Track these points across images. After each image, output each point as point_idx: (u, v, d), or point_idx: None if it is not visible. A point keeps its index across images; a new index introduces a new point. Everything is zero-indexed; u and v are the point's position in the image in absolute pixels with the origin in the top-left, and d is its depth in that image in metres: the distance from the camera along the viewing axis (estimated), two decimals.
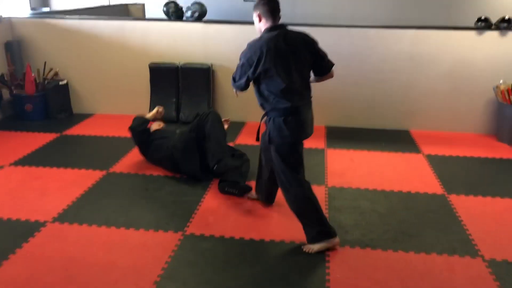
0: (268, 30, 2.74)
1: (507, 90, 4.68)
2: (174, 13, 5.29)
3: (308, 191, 2.87)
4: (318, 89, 5.11)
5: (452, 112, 5.08)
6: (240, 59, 2.77)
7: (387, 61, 5.01)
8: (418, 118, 5.15)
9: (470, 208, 3.41)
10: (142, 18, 7.57)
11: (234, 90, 2.92)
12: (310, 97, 2.91)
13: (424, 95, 5.06)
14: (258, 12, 2.75)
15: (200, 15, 5.25)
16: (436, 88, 5.03)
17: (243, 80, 2.76)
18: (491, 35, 4.82)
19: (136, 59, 5.31)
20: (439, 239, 2.99)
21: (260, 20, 2.77)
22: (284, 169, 2.83)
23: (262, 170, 3.24)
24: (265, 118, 2.87)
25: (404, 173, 4.01)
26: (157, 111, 4.26)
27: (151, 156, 4.03)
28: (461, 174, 4.05)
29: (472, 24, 4.95)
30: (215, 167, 3.51)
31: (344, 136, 4.93)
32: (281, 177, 2.86)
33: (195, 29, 5.18)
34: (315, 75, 2.92)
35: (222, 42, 5.15)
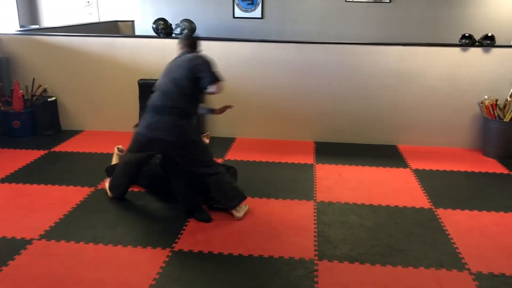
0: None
1: (492, 105, 4.76)
2: (163, 30, 5.34)
3: None
4: (306, 105, 5.20)
5: (439, 127, 5.15)
6: (206, 63, 3.32)
7: (374, 77, 5.09)
8: (406, 133, 5.21)
9: (457, 222, 3.44)
10: (132, 35, 7.61)
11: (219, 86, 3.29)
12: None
13: (411, 111, 5.13)
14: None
15: (189, 32, 5.30)
16: (423, 103, 5.10)
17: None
18: (475, 52, 4.92)
19: (125, 75, 5.33)
20: (427, 253, 3.01)
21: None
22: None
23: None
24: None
25: (392, 188, 4.04)
26: (118, 150, 4.23)
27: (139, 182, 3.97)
28: (448, 188, 4.09)
29: (456, 41, 5.05)
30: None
31: (333, 151, 4.97)
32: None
33: None
34: None
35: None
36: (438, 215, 3.54)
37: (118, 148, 4.23)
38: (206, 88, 3.26)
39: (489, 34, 4.96)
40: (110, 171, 3.88)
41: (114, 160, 4.17)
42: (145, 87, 5.25)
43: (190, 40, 3.50)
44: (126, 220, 3.36)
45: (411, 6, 7.86)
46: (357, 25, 8.04)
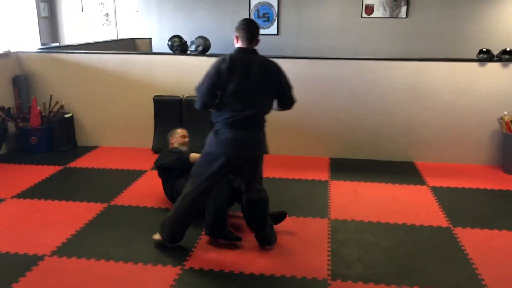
0: (237, 51, 2.98)
1: (511, 121, 4.65)
2: (179, 47, 5.39)
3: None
4: (321, 120, 5.15)
5: (457, 143, 5.04)
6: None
7: (390, 92, 5.02)
8: (423, 150, 5.11)
9: (476, 241, 3.33)
10: (147, 52, 7.71)
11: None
12: None
13: (428, 126, 5.04)
14: (237, 34, 2.98)
15: (204, 49, 5.34)
16: (440, 119, 5.01)
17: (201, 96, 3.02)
18: (493, 67, 4.83)
19: (140, 92, 5.37)
20: (444, 274, 2.91)
21: (237, 41, 2.99)
22: None
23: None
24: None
25: (409, 206, 3.95)
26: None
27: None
28: (466, 206, 3.97)
29: (474, 56, 4.96)
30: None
31: (348, 167, 4.90)
32: None
33: (199, 62, 5.25)
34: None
35: None
36: (456, 234, 3.43)
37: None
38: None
39: (508, 49, 4.87)
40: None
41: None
42: (160, 104, 5.30)
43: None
44: (138, 237, 3.34)
45: (427, 21, 7.80)
46: (373, 40, 8.00)
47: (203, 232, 3.37)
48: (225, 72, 2.84)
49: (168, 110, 5.29)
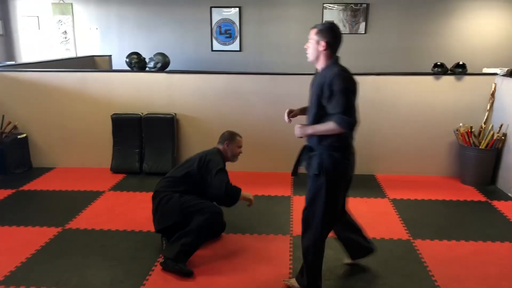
0: (337, 61, 2.67)
1: (467, 133, 4.77)
2: (137, 64, 5.31)
3: None
4: (284, 135, 5.15)
5: (416, 155, 5.13)
6: (342, 91, 2.50)
7: None
8: (383, 162, 5.17)
9: (435, 253, 3.36)
10: (104, 69, 7.56)
11: (338, 128, 2.55)
12: None
13: (387, 139, 5.11)
14: (328, 39, 2.62)
15: (163, 65, 5.27)
16: (398, 132, 5.09)
17: (355, 114, 2.54)
18: (448, 80, 4.96)
19: (98, 110, 5.24)
20: (405, 286, 2.91)
21: (326, 48, 2.63)
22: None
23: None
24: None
25: (370, 219, 3.96)
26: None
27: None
28: (426, 218, 4.02)
29: (429, 70, 5.09)
30: None
31: None
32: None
33: (158, 79, 5.18)
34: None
35: (185, 92, 5.15)
36: (416, 246, 3.45)
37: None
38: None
39: (461, 63, 5.01)
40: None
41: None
42: (119, 122, 5.17)
43: None
44: (93, 261, 3.20)
45: (385, 37, 8.00)
46: None
47: (161, 254, 3.27)
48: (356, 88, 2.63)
49: (127, 128, 5.17)
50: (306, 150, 2.77)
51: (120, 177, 5.03)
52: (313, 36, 2.65)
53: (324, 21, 2.58)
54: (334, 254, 3.32)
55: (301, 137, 2.74)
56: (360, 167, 5.15)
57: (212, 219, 3.18)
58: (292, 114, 2.98)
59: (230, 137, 3.53)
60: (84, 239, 3.56)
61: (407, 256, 3.32)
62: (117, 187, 4.72)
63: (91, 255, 3.30)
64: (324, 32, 2.61)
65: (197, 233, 3.09)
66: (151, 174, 5.09)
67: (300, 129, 2.72)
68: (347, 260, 3.19)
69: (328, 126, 2.57)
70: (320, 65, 2.67)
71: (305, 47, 2.72)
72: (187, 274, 3.01)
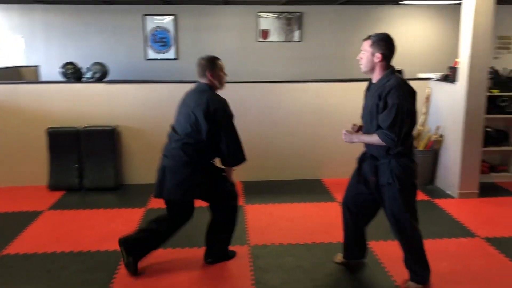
0: (393, 71, 2.73)
1: None
2: (73, 75, 5.03)
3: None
4: None
5: None
6: (394, 106, 2.58)
7: (294, 113, 5.13)
8: (328, 167, 5.27)
9: (390, 252, 3.44)
10: (37, 81, 7.09)
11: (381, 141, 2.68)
12: None
13: (331, 144, 5.22)
14: (383, 51, 2.65)
15: (101, 75, 5.03)
16: (341, 137, 5.19)
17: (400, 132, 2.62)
18: None
19: (31, 124, 4.88)
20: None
21: (381, 60, 2.67)
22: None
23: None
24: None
25: (324, 223, 4.00)
26: None
27: None
28: (377, 219, 4.10)
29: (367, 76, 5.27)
30: None
31: (261, 190, 4.88)
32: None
33: (97, 90, 4.93)
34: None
35: (126, 102, 4.95)
36: (372, 247, 3.53)
37: None
38: None
39: (397, 69, 5.23)
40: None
41: None
42: (55, 136, 4.86)
43: None
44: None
45: (320, 45, 8.23)
46: (270, 63, 8.23)
47: (115, 275, 3.08)
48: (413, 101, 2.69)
49: (65, 142, 4.86)
50: (369, 159, 2.90)
51: (59, 194, 4.71)
52: (367, 47, 2.69)
53: (378, 32, 2.68)
54: (295, 260, 3.32)
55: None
56: (307, 172, 5.29)
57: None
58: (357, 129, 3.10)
59: (210, 65, 3.15)
60: (26, 264, 3.27)
61: (367, 259, 3.38)
62: (57, 206, 4.41)
63: (36, 282, 3.04)
64: (379, 44, 2.65)
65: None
66: (92, 189, 4.82)
67: (346, 136, 2.89)
68: (339, 259, 3.26)
69: (373, 139, 2.72)
70: (376, 76, 2.74)
71: (358, 58, 2.76)
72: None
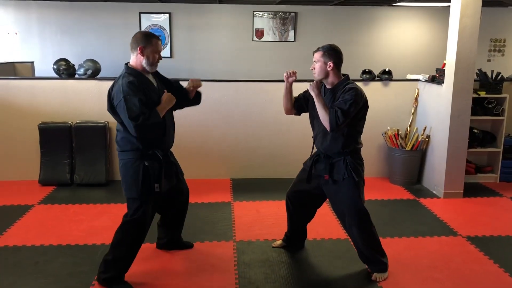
0: (349, 77, 3.05)
1: (394, 135, 5.06)
2: (65, 71, 5.07)
3: None
4: (221, 142, 5.16)
5: None
6: (350, 100, 2.85)
7: (282, 112, 5.17)
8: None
9: None
10: (30, 76, 7.13)
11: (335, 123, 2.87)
12: None
13: None
14: (334, 60, 2.96)
15: (93, 72, 5.08)
16: None
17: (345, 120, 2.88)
18: (375, 86, 5.24)
19: (24, 120, 4.93)
20: (347, 285, 3.02)
21: (333, 68, 2.97)
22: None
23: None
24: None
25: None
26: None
27: None
28: None
29: (358, 76, 5.34)
30: None
31: (249, 187, 4.94)
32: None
33: (89, 86, 4.98)
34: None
35: None
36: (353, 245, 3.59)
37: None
38: None
39: (387, 69, 5.32)
40: None
41: None
42: (47, 132, 4.91)
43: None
44: (25, 282, 3.00)
45: (313, 45, 8.20)
46: (264, 63, 8.28)
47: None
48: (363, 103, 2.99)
49: (56, 138, 4.92)
50: (322, 158, 3.10)
51: (49, 189, 4.77)
52: (319, 58, 3.01)
53: (326, 44, 2.95)
54: (278, 256, 3.38)
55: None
56: (295, 171, 5.30)
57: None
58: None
59: (144, 39, 2.84)
60: (14, 257, 3.33)
61: (347, 254, 3.45)
62: (47, 200, 4.47)
63: (24, 274, 3.10)
64: (330, 54, 2.98)
65: None
66: (83, 185, 4.88)
67: (312, 88, 3.03)
68: (278, 243, 3.54)
69: (324, 111, 2.90)
70: (331, 81, 3.02)
71: (311, 68, 3.08)
72: None
